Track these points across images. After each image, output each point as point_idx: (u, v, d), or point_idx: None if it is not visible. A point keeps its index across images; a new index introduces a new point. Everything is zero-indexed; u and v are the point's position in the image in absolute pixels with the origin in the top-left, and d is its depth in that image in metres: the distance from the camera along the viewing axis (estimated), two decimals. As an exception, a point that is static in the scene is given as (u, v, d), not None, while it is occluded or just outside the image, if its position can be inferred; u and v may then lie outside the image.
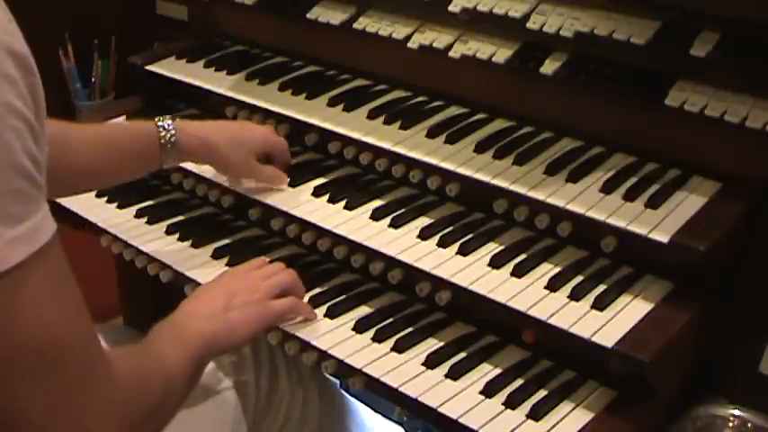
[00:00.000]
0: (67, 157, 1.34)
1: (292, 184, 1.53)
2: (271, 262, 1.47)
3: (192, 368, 1.12)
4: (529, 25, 1.43)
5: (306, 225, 1.45)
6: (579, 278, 1.27)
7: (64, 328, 0.86)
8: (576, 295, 1.23)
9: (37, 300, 0.83)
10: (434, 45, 1.55)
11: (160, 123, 1.43)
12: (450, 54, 1.54)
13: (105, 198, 1.66)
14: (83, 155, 1.38)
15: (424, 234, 1.38)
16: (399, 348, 1.28)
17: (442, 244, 1.35)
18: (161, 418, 1.04)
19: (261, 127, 1.57)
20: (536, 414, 1.17)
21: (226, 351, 1.28)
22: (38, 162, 0.82)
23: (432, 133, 1.48)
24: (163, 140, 1.43)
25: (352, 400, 1.65)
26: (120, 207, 1.64)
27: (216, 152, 1.47)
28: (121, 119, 1.80)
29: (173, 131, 1.43)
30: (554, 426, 1.16)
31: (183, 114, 1.83)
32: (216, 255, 1.51)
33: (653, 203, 1.27)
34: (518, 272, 1.28)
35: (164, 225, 1.59)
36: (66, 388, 0.86)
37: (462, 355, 1.28)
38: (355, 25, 1.65)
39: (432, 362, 1.26)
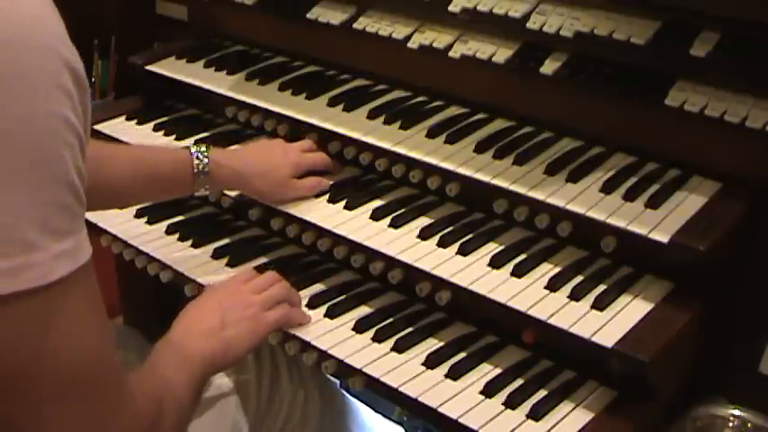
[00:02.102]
0: (100, 176, 1.34)
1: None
2: (271, 262, 1.47)
3: (196, 389, 1.12)
4: (529, 25, 1.43)
5: (306, 225, 1.45)
6: (579, 278, 1.27)
7: (96, 350, 0.86)
8: (576, 295, 1.23)
9: (73, 318, 0.83)
10: (434, 45, 1.55)
11: (194, 151, 1.43)
12: (450, 54, 1.54)
13: (105, 198, 1.66)
14: (116, 175, 1.39)
15: (424, 234, 1.38)
16: (399, 348, 1.28)
17: (442, 244, 1.35)
18: None
19: (292, 150, 1.53)
20: (536, 414, 1.17)
21: (223, 369, 1.27)
22: (84, 179, 0.83)
23: (432, 133, 1.48)
24: (196, 169, 1.43)
25: (353, 400, 1.65)
26: (120, 207, 1.64)
27: (247, 182, 1.47)
28: (121, 119, 1.80)
29: (206, 161, 1.43)
30: (554, 426, 1.16)
31: (183, 114, 1.84)
32: (216, 255, 1.51)
33: (653, 203, 1.27)
34: (518, 272, 1.28)
35: (164, 225, 1.59)
36: (94, 412, 0.86)
37: (462, 355, 1.28)
38: (355, 25, 1.65)
39: (432, 362, 1.26)
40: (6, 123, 0.75)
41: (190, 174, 1.43)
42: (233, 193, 1.54)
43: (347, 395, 1.64)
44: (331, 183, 1.52)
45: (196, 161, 1.43)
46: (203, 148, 1.44)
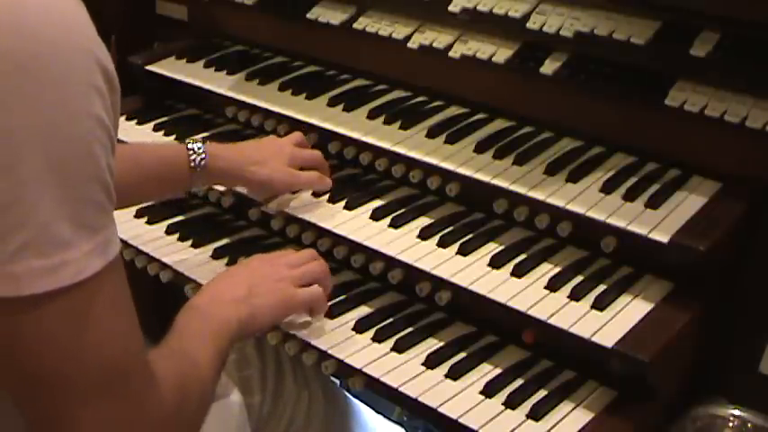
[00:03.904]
0: None
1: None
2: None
3: (220, 360, 1.12)
4: (529, 25, 1.43)
5: (306, 225, 1.45)
6: (579, 278, 1.27)
7: (127, 344, 0.87)
8: (576, 295, 1.23)
9: (106, 314, 0.84)
10: (434, 45, 1.55)
11: (190, 146, 1.43)
12: (450, 54, 1.54)
13: (105, 198, 1.65)
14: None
15: (424, 234, 1.37)
16: (399, 348, 1.28)
17: (442, 244, 1.35)
18: (198, 420, 1.04)
19: (286, 143, 1.52)
20: (536, 414, 1.17)
21: (247, 337, 1.26)
22: (114, 176, 0.84)
23: (432, 133, 1.48)
24: (192, 163, 1.42)
25: (356, 401, 1.65)
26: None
27: (245, 172, 1.46)
28: (121, 119, 1.80)
29: (202, 155, 1.42)
30: (554, 426, 1.16)
31: (183, 114, 1.84)
32: (216, 255, 1.51)
33: (653, 203, 1.27)
34: (518, 272, 1.28)
35: (164, 225, 1.59)
36: (124, 403, 0.86)
37: (462, 355, 1.28)
38: (355, 25, 1.65)
39: (432, 362, 1.26)
40: (43, 123, 0.76)
41: (186, 168, 1.42)
42: (232, 189, 1.54)
43: (349, 396, 1.64)
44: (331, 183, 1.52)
45: (192, 155, 1.42)
46: (199, 143, 1.44)
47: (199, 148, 1.43)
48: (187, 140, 1.44)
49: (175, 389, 0.95)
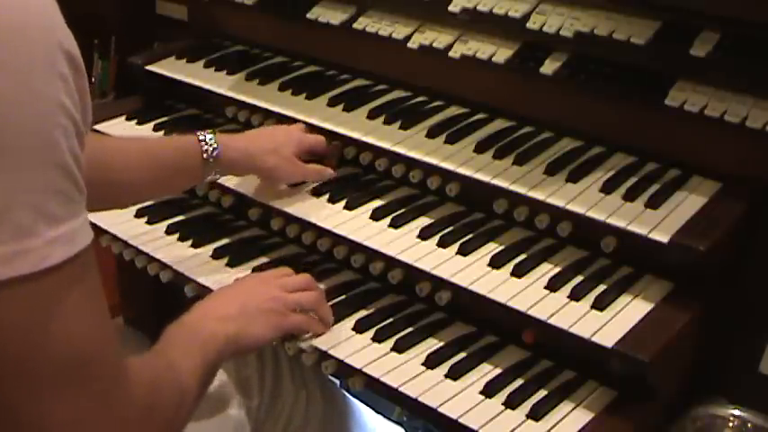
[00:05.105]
0: (107, 170, 1.33)
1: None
2: (271, 262, 1.47)
3: (206, 373, 1.10)
4: (529, 25, 1.43)
5: (306, 225, 1.45)
6: (579, 278, 1.27)
7: (94, 337, 0.85)
8: (575, 295, 1.23)
9: (72, 306, 0.82)
10: (434, 45, 1.55)
11: (201, 137, 1.43)
12: (450, 54, 1.54)
13: (105, 198, 1.65)
14: (123, 169, 1.38)
15: (424, 234, 1.37)
16: (399, 348, 1.28)
17: (442, 244, 1.35)
18: (175, 427, 1.03)
19: (294, 129, 1.54)
20: (536, 414, 1.17)
21: (235, 356, 1.26)
22: (81, 165, 0.82)
23: (432, 133, 1.48)
24: (205, 154, 1.42)
25: (354, 401, 1.65)
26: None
27: (257, 161, 1.46)
28: (121, 119, 1.80)
29: (214, 145, 1.42)
30: (554, 426, 1.16)
31: (183, 114, 1.84)
32: (216, 255, 1.50)
33: (653, 203, 1.27)
34: (518, 272, 1.28)
35: (164, 225, 1.59)
36: (90, 400, 0.85)
37: (462, 355, 1.28)
38: (355, 25, 1.65)
39: (432, 362, 1.25)
40: None
41: (199, 160, 1.42)
42: (232, 185, 1.55)
43: (348, 395, 1.64)
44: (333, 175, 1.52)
45: (205, 146, 1.42)
46: (210, 134, 1.44)
47: (210, 139, 1.43)
48: (197, 132, 1.44)
49: (148, 386, 0.94)
